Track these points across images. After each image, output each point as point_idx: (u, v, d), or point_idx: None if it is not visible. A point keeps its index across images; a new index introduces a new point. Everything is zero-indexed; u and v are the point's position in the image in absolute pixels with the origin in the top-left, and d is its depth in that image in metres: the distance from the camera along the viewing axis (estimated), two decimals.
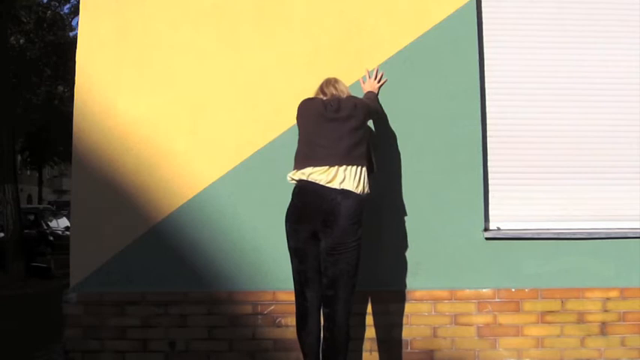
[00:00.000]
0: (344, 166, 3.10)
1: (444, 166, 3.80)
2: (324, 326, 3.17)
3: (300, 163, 3.19)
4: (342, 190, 3.08)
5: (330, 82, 3.43)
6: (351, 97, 3.35)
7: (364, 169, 3.17)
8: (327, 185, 3.08)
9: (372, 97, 3.64)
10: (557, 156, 3.94)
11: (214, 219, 3.78)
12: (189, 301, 3.73)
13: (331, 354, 3.11)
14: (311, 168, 3.12)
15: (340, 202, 3.07)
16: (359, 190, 3.11)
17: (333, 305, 3.11)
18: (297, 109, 3.34)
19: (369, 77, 3.77)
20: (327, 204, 3.07)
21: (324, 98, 3.34)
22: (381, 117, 3.73)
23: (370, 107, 3.43)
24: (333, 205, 3.07)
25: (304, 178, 3.14)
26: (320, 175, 3.10)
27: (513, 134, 3.95)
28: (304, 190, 3.14)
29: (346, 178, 3.10)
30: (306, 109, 3.30)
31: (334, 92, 3.35)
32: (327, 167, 3.10)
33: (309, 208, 3.12)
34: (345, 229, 3.08)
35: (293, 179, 3.21)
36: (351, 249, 3.11)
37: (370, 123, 3.58)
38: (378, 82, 3.75)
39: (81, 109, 3.83)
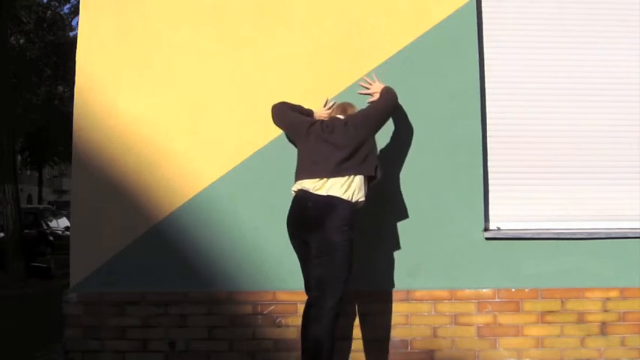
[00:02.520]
0: (333, 178, 3.26)
1: (444, 166, 3.80)
2: (309, 326, 3.22)
3: (298, 176, 3.39)
4: (329, 195, 3.24)
5: (342, 105, 3.57)
6: (345, 118, 3.43)
7: (356, 177, 3.29)
8: (316, 192, 3.26)
9: (382, 98, 3.57)
10: (557, 156, 3.94)
11: (214, 219, 3.78)
12: (189, 301, 3.73)
13: (314, 354, 3.16)
14: (305, 180, 3.32)
15: (326, 207, 3.21)
16: (347, 196, 3.24)
17: (318, 307, 3.20)
18: (300, 128, 3.46)
19: (372, 82, 3.74)
20: (313, 209, 3.24)
21: (326, 119, 3.51)
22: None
23: (370, 117, 3.44)
24: (318, 209, 3.22)
25: (300, 187, 3.33)
26: (310, 184, 3.29)
27: (513, 134, 3.95)
28: (297, 199, 3.34)
29: (334, 186, 3.25)
30: (311, 130, 3.40)
31: (339, 114, 3.50)
32: (318, 179, 3.28)
33: (299, 215, 3.31)
34: (330, 231, 3.19)
35: (294, 191, 3.37)
36: (338, 251, 3.19)
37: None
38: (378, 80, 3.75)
39: (81, 109, 3.83)
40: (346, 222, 3.22)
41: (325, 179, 3.26)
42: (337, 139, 3.33)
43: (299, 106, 3.64)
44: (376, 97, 3.67)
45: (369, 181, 3.38)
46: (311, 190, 3.27)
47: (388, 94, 3.58)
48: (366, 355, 3.70)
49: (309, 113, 3.64)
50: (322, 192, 3.25)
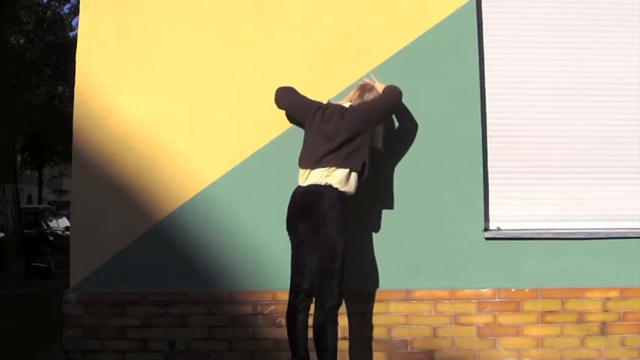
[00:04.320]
0: (314, 170, 3.34)
1: (444, 166, 3.80)
2: (298, 329, 3.33)
3: (299, 164, 3.45)
4: (310, 185, 3.33)
5: (362, 87, 3.58)
6: (346, 107, 3.44)
7: (338, 170, 3.32)
8: (303, 184, 3.37)
9: (386, 95, 3.54)
10: (557, 156, 3.94)
11: (214, 219, 3.78)
12: (189, 301, 3.73)
13: (318, 343, 3.26)
14: (300, 170, 3.42)
15: (311, 196, 3.30)
16: (322, 182, 3.30)
17: (320, 307, 3.26)
18: (306, 112, 3.50)
19: (373, 83, 3.69)
20: (300, 199, 3.33)
21: (332, 104, 3.53)
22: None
23: (370, 111, 3.43)
24: (304, 199, 3.31)
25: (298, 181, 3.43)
26: (300, 175, 3.40)
27: (513, 134, 3.94)
28: (292, 193, 3.41)
29: (314, 177, 3.33)
30: (314, 117, 3.44)
31: (357, 96, 3.52)
32: (304, 170, 3.38)
33: (291, 207, 3.39)
34: (318, 219, 3.25)
35: None
36: (327, 238, 3.23)
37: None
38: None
39: (81, 109, 3.83)
40: (334, 206, 3.25)
41: (309, 170, 3.35)
42: (328, 129, 3.36)
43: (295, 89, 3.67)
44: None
45: (359, 176, 3.39)
46: (300, 182, 3.38)
47: (392, 91, 3.56)
48: (366, 355, 3.70)
49: (299, 94, 3.65)
50: (306, 183, 3.34)
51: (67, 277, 3.93)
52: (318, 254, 3.24)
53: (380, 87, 3.65)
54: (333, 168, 3.31)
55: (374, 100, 3.50)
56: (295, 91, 3.62)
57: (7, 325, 5.96)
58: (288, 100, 3.61)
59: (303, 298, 3.34)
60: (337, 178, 3.30)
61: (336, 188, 3.29)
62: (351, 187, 3.34)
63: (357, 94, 3.54)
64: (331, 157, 3.31)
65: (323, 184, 3.28)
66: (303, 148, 3.46)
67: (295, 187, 3.43)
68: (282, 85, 3.66)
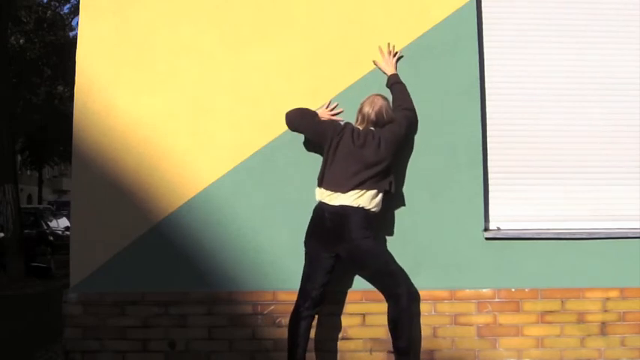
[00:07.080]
0: (346, 192, 3.39)
1: (444, 166, 3.80)
2: (298, 328, 3.43)
3: (319, 181, 3.49)
4: (340, 205, 3.38)
5: (370, 100, 3.55)
6: (378, 133, 3.46)
7: (369, 191, 3.40)
8: (330, 203, 3.40)
9: (406, 122, 3.63)
10: (557, 156, 3.94)
11: (214, 219, 3.78)
12: (189, 301, 3.73)
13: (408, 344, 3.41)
14: (322, 190, 3.45)
15: (342, 217, 3.35)
16: (355, 204, 3.38)
17: (397, 301, 3.41)
18: (326, 135, 3.49)
19: (384, 54, 3.75)
20: (330, 220, 3.39)
21: (355, 125, 3.53)
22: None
23: (398, 140, 3.53)
24: (334, 219, 3.37)
25: (319, 199, 3.46)
26: (326, 193, 3.43)
27: (513, 134, 3.94)
28: (316, 210, 3.47)
29: (344, 196, 3.38)
30: (341, 138, 3.45)
31: (366, 113, 3.50)
32: (332, 192, 3.41)
33: (319, 227, 3.43)
34: (353, 237, 3.35)
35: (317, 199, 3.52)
36: (369, 248, 3.40)
37: None
38: (394, 56, 3.76)
39: (81, 109, 3.83)
40: (364, 225, 3.36)
41: (339, 193, 3.39)
42: (369, 157, 3.41)
43: (308, 110, 3.65)
44: (383, 67, 3.74)
45: (385, 194, 3.50)
46: (326, 201, 3.41)
47: (412, 113, 3.70)
48: (366, 355, 3.70)
49: (314, 115, 3.65)
50: (335, 202, 3.38)
51: (67, 277, 3.93)
52: (371, 265, 3.41)
53: (389, 68, 3.71)
54: (364, 190, 3.39)
55: (400, 127, 3.56)
56: (308, 112, 3.61)
57: (7, 325, 5.96)
58: (305, 124, 3.60)
59: (310, 306, 3.42)
60: (367, 199, 3.39)
61: (368, 209, 3.39)
62: (378, 206, 3.46)
63: (374, 112, 3.50)
64: (368, 182, 3.40)
65: (355, 205, 3.36)
66: (331, 169, 3.44)
67: (307, 196, 3.51)
68: (293, 108, 3.63)
